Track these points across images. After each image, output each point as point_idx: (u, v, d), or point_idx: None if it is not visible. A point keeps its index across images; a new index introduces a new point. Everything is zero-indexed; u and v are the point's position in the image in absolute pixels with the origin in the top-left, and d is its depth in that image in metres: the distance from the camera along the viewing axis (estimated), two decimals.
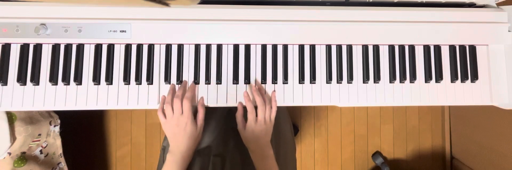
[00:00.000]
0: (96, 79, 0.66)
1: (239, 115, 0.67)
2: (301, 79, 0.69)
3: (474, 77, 0.72)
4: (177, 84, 0.67)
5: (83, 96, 0.65)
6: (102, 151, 1.59)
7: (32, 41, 0.65)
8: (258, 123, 0.64)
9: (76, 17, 0.65)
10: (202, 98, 0.67)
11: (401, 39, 0.71)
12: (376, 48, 0.71)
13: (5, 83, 0.64)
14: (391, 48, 0.71)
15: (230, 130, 0.80)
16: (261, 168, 0.64)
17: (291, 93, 0.69)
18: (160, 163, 0.76)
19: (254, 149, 0.65)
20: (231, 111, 0.84)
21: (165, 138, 0.74)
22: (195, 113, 0.65)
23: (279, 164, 0.77)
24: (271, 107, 0.66)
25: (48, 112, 1.06)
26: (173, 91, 0.65)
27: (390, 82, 0.71)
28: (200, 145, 0.76)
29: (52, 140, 1.06)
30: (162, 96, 0.66)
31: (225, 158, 0.70)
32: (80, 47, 0.66)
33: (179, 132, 0.61)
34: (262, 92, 0.68)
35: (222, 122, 0.81)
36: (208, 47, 0.68)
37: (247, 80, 0.68)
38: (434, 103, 0.71)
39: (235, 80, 0.68)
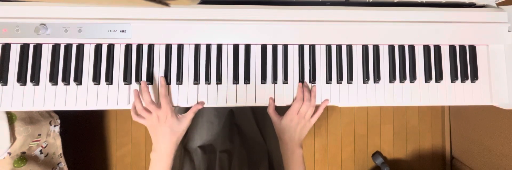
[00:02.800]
0: (96, 79, 0.66)
1: (271, 109, 0.67)
2: (301, 79, 0.69)
3: (474, 77, 0.72)
4: (176, 84, 0.67)
5: (83, 96, 0.65)
6: (102, 151, 1.59)
7: (32, 41, 0.65)
8: (299, 115, 0.64)
9: (76, 17, 0.65)
10: (202, 101, 0.66)
11: (401, 39, 0.71)
12: (376, 48, 0.71)
13: (5, 83, 0.64)
14: (391, 48, 0.71)
15: (234, 127, 0.80)
16: (289, 162, 0.64)
17: (291, 93, 0.69)
18: None
19: (287, 141, 0.64)
20: (233, 108, 0.84)
21: None
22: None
23: (279, 164, 0.77)
24: (313, 109, 0.66)
25: (48, 112, 1.06)
26: (138, 97, 0.63)
27: (390, 82, 0.71)
28: (202, 141, 0.76)
29: (52, 140, 1.06)
30: (133, 103, 0.63)
31: (232, 154, 0.70)
32: (80, 47, 0.66)
33: (160, 125, 0.60)
34: (310, 91, 0.68)
35: (223, 119, 0.81)
36: (208, 47, 0.68)
37: (247, 80, 0.68)
38: (434, 103, 0.71)
39: (235, 80, 0.68)
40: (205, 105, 0.67)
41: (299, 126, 0.64)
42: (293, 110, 0.64)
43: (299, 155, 0.64)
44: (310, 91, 0.67)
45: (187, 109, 0.83)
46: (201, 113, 0.83)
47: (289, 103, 0.69)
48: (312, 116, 0.65)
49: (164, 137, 0.60)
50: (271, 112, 0.66)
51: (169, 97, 0.63)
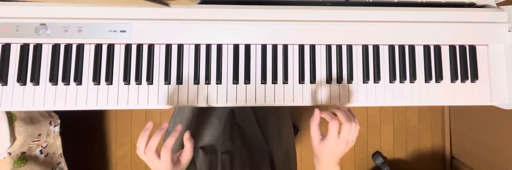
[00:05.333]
0: (96, 79, 0.66)
1: (314, 125, 0.59)
2: (301, 79, 0.69)
3: (474, 77, 0.72)
4: (176, 84, 0.67)
5: (83, 96, 0.65)
6: (102, 151, 1.59)
7: (32, 41, 0.65)
8: (341, 141, 0.56)
9: (76, 17, 0.65)
10: (187, 132, 0.61)
11: (401, 39, 0.71)
12: (376, 48, 0.71)
13: (5, 83, 0.64)
14: (391, 48, 0.71)
15: (235, 127, 0.80)
16: None
17: (291, 93, 0.69)
18: None
19: (324, 161, 0.59)
20: (233, 108, 0.84)
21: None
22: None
23: (280, 164, 0.77)
24: (356, 130, 0.58)
25: (48, 112, 1.06)
26: (146, 137, 0.59)
27: (390, 82, 0.71)
28: (203, 142, 0.76)
29: (52, 140, 1.06)
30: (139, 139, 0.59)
31: (234, 155, 0.70)
32: (80, 47, 0.66)
33: None
34: (350, 109, 0.62)
35: (224, 119, 0.81)
36: (208, 47, 0.68)
37: (247, 80, 0.68)
38: (434, 103, 0.71)
39: (235, 80, 0.68)
40: (205, 105, 0.67)
41: (339, 152, 0.58)
42: (333, 133, 0.57)
43: None
44: (347, 109, 0.60)
45: (193, 110, 0.82)
46: (201, 113, 0.83)
47: (288, 103, 0.69)
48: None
49: None
50: (314, 130, 0.59)
51: (170, 149, 0.58)
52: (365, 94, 0.70)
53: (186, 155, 0.61)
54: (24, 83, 0.64)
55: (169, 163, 0.57)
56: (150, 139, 0.58)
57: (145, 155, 0.58)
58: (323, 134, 0.60)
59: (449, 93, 0.71)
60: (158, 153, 0.57)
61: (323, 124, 0.61)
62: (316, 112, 0.60)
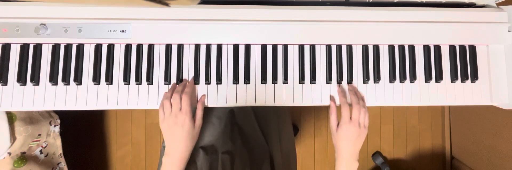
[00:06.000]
0: (96, 79, 0.66)
1: (333, 113, 0.64)
2: (301, 79, 0.69)
3: (474, 77, 0.72)
4: (177, 84, 0.67)
5: (83, 96, 0.65)
6: (102, 151, 1.59)
7: (32, 41, 0.65)
8: (353, 123, 0.61)
9: (76, 17, 0.65)
10: (203, 95, 0.66)
11: (401, 39, 0.71)
12: (376, 48, 0.71)
13: (5, 83, 0.64)
14: (391, 48, 0.71)
15: (235, 127, 0.80)
16: None
17: (291, 93, 0.69)
18: (160, 163, 0.76)
19: (344, 154, 0.62)
20: (233, 108, 0.84)
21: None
22: (194, 112, 0.64)
23: (280, 164, 0.77)
24: (365, 111, 0.63)
25: (48, 112, 1.06)
26: (173, 88, 0.64)
27: (390, 82, 0.71)
28: (204, 142, 0.76)
29: (52, 140, 1.06)
30: (164, 93, 0.65)
31: (234, 155, 0.70)
32: (80, 47, 0.66)
33: (177, 130, 0.59)
34: (356, 92, 0.67)
35: (224, 119, 0.81)
36: (208, 47, 0.68)
37: (247, 80, 0.68)
38: (434, 103, 0.71)
39: (235, 80, 0.68)
40: (205, 105, 0.67)
41: (354, 136, 0.61)
42: (345, 118, 0.61)
43: (355, 165, 0.62)
44: (355, 92, 0.65)
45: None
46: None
47: (288, 103, 0.69)
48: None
49: (180, 142, 0.60)
50: (333, 119, 0.63)
51: (193, 97, 0.63)
52: (365, 94, 0.70)
53: (198, 118, 0.63)
54: (24, 83, 0.64)
55: (189, 109, 0.60)
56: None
57: (168, 104, 0.60)
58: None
59: (449, 93, 0.71)
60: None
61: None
62: (332, 104, 0.65)
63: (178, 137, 0.60)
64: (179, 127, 0.59)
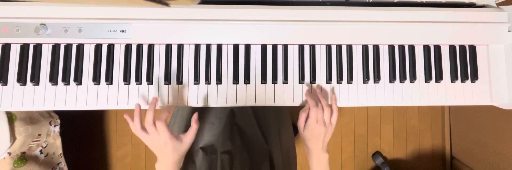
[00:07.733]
0: (96, 79, 0.66)
1: (303, 112, 0.65)
2: (301, 79, 0.69)
3: (474, 77, 0.72)
4: (177, 84, 0.67)
5: (83, 96, 0.65)
6: (102, 151, 1.59)
7: (32, 41, 0.65)
8: (319, 123, 0.63)
9: (76, 17, 0.65)
10: (196, 113, 0.63)
11: (401, 39, 0.71)
12: (376, 48, 0.71)
13: (5, 83, 0.64)
14: (391, 48, 0.71)
15: (235, 127, 0.80)
16: (314, 167, 0.65)
17: (291, 93, 0.69)
18: None
19: (311, 148, 0.65)
20: (233, 108, 0.84)
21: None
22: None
23: (280, 164, 0.77)
24: (332, 111, 0.64)
25: (48, 112, 1.06)
26: (138, 113, 0.61)
27: (390, 82, 0.71)
28: (203, 142, 0.76)
29: (52, 140, 1.06)
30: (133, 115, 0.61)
31: (234, 155, 0.70)
32: (80, 47, 0.66)
33: (161, 149, 0.60)
34: (324, 94, 0.69)
35: (224, 119, 0.81)
36: (208, 47, 0.68)
37: (247, 80, 0.68)
38: (434, 103, 0.71)
39: (235, 80, 0.68)
40: (205, 106, 0.67)
41: (321, 134, 0.63)
42: (311, 119, 0.63)
43: (325, 159, 0.65)
44: (317, 94, 0.67)
45: (193, 110, 0.83)
46: (201, 113, 0.83)
47: (288, 103, 0.69)
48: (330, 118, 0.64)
49: (168, 155, 0.60)
50: (302, 114, 0.65)
51: (165, 121, 0.60)
52: (365, 94, 0.70)
53: (190, 134, 0.62)
54: (24, 83, 0.64)
55: (167, 134, 0.58)
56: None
57: (142, 131, 0.59)
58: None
59: (449, 93, 0.71)
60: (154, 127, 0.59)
61: None
62: (306, 106, 0.66)
63: (164, 153, 0.60)
64: (162, 147, 0.60)
